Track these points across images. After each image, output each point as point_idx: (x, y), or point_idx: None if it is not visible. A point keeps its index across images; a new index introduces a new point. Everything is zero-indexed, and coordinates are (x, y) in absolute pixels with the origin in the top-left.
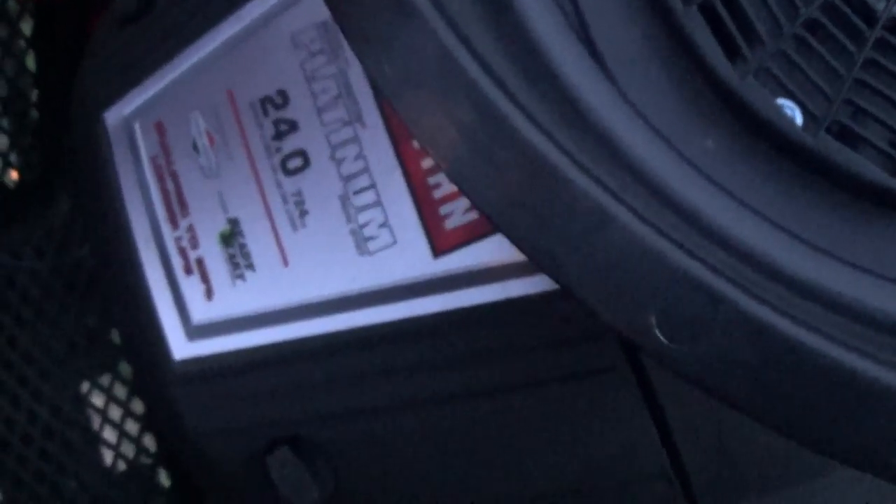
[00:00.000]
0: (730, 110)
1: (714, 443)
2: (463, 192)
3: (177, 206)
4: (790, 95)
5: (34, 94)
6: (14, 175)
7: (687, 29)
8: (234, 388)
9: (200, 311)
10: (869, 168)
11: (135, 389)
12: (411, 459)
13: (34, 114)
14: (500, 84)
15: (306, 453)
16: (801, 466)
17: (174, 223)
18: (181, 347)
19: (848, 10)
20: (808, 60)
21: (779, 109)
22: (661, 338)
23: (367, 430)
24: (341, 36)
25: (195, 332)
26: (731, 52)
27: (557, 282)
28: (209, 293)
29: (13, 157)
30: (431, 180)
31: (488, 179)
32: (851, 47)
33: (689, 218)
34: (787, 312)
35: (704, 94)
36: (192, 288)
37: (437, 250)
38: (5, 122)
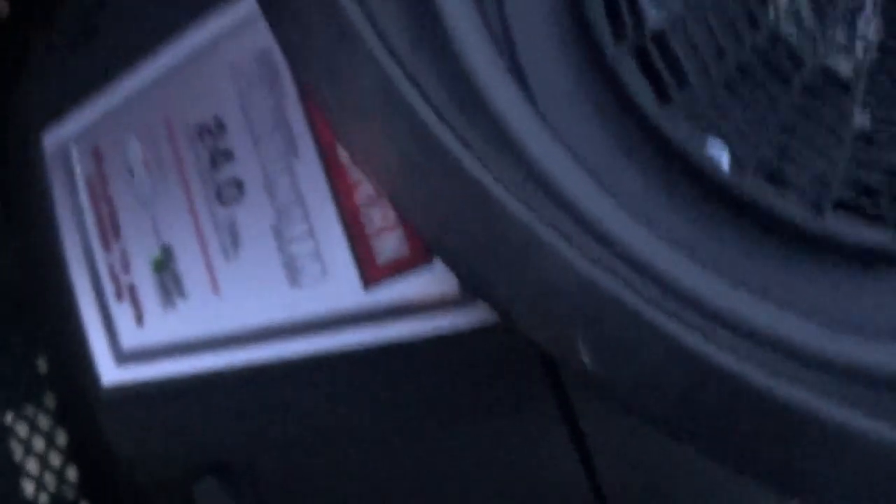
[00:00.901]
0: (657, 150)
1: (636, 471)
2: (402, 216)
3: (110, 230)
4: (720, 136)
5: None
6: None
7: (616, 68)
8: (162, 415)
9: (130, 337)
10: (791, 208)
11: (59, 420)
12: (335, 489)
13: None
14: (438, 113)
15: (233, 481)
16: (729, 499)
17: (107, 248)
18: (110, 372)
19: (778, 55)
20: (738, 102)
21: (703, 151)
22: (586, 360)
23: (294, 458)
24: (280, 67)
25: (125, 357)
26: (662, 93)
27: (490, 304)
28: (140, 319)
29: None
30: (364, 214)
31: (427, 204)
32: (779, 91)
33: (616, 250)
34: (707, 337)
35: (632, 132)
36: (122, 313)
37: (368, 282)
38: None
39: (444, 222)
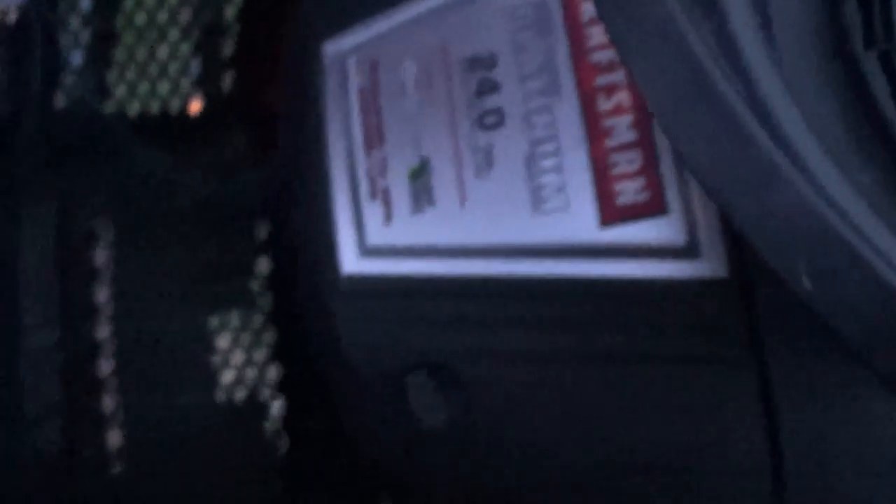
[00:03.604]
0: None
1: (819, 459)
2: (668, 137)
3: (375, 137)
4: None
5: (230, 23)
6: (196, 105)
7: (866, 73)
8: (391, 310)
9: (376, 234)
10: None
11: (270, 319)
12: (533, 408)
13: (226, 41)
14: (711, 55)
15: (443, 381)
16: None
17: (369, 153)
18: (352, 263)
19: None
20: None
21: None
22: (806, 282)
23: (501, 371)
24: (554, 14)
25: (368, 251)
26: None
27: (731, 222)
28: (388, 218)
29: (194, 87)
30: (611, 159)
31: (689, 126)
32: None
33: (839, 209)
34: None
35: (869, 133)
36: (373, 211)
37: (605, 220)
38: (198, 50)
39: (704, 146)
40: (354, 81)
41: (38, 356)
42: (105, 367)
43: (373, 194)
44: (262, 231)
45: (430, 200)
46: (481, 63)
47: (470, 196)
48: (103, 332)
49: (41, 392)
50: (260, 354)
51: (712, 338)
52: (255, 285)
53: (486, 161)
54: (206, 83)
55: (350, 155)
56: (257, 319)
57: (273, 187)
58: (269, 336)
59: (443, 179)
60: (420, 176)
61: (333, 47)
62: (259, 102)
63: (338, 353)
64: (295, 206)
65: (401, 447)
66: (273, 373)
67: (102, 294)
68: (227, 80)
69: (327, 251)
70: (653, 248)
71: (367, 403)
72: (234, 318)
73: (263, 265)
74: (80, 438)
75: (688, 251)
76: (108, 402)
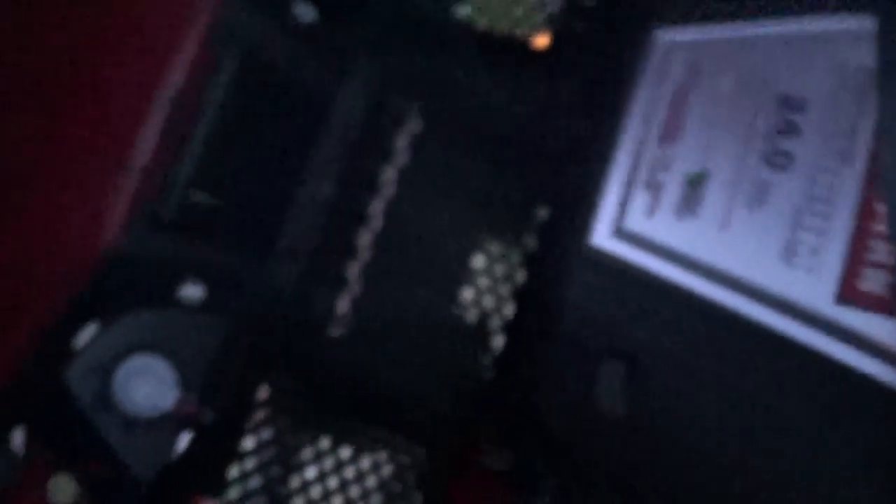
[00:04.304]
0: None
1: None
2: None
3: (671, 134)
4: None
5: None
6: (542, 39)
7: None
8: (617, 293)
9: (636, 221)
10: None
11: (524, 262)
12: (711, 429)
13: None
14: None
15: (633, 376)
16: None
17: (660, 145)
18: (603, 238)
19: None
20: None
21: None
22: None
23: (691, 387)
24: (870, 90)
25: (622, 233)
26: None
27: None
28: (651, 212)
29: (546, 21)
30: (871, 243)
31: None
32: None
33: None
34: None
35: None
36: (641, 199)
37: (842, 297)
38: None
39: None
40: (674, 75)
41: (308, 203)
42: (363, 238)
43: (647, 185)
44: (550, 178)
45: (696, 211)
46: (792, 104)
47: (733, 223)
48: (375, 206)
49: (296, 234)
50: (505, 289)
51: None
52: (527, 226)
53: (760, 197)
54: (558, 21)
55: (642, 140)
56: (515, 257)
57: (568, 138)
58: (520, 276)
59: (715, 196)
60: (697, 185)
61: (666, 37)
62: (588, 57)
63: (560, 311)
64: (578, 164)
65: (577, 423)
66: (508, 310)
67: (388, 174)
68: (577, 26)
69: (587, 219)
70: (879, 345)
71: (563, 371)
72: (497, 247)
73: (543, 212)
74: (316, 291)
75: None
76: (353, 271)
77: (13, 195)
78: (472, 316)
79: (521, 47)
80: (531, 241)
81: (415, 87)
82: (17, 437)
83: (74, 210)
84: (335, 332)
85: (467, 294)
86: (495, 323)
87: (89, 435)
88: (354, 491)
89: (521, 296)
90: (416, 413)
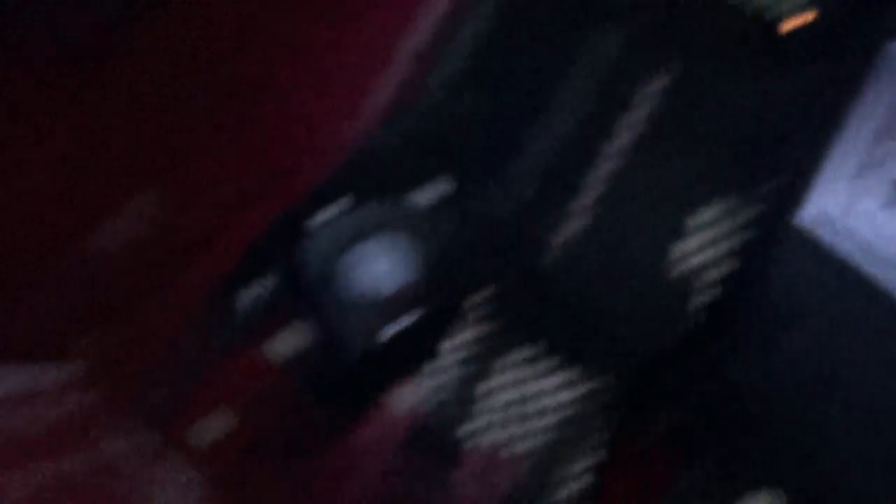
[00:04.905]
0: None
1: None
2: None
3: (890, 135)
4: None
5: None
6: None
7: None
8: (815, 274)
9: (839, 206)
10: None
11: (747, 228)
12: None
13: None
14: None
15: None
16: None
17: (877, 144)
18: (808, 217)
19: None
20: None
21: None
22: None
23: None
24: None
25: (825, 216)
26: None
27: None
28: (857, 199)
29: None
30: None
31: None
32: None
33: None
34: None
35: None
36: (852, 188)
37: None
38: None
39: None
40: None
41: (550, 135)
42: (592, 176)
43: (859, 175)
44: (774, 158)
45: None
46: None
47: None
48: (608, 148)
49: (537, 160)
50: (714, 252)
51: None
52: (746, 199)
53: None
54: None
55: (861, 137)
56: (741, 219)
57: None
58: (737, 239)
59: None
60: None
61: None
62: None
63: (762, 281)
64: (800, 149)
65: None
66: (724, 269)
67: (626, 122)
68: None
69: (799, 201)
70: None
71: (750, 331)
72: (714, 212)
73: (763, 188)
74: (543, 216)
75: None
76: (577, 206)
77: (285, 85)
78: (680, 271)
79: (767, 27)
80: (747, 213)
81: (666, 46)
82: (247, 297)
83: (335, 108)
84: (553, 257)
85: (680, 250)
86: (703, 281)
87: (316, 301)
88: (533, 405)
89: (730, 261)
90: (615, 346)
